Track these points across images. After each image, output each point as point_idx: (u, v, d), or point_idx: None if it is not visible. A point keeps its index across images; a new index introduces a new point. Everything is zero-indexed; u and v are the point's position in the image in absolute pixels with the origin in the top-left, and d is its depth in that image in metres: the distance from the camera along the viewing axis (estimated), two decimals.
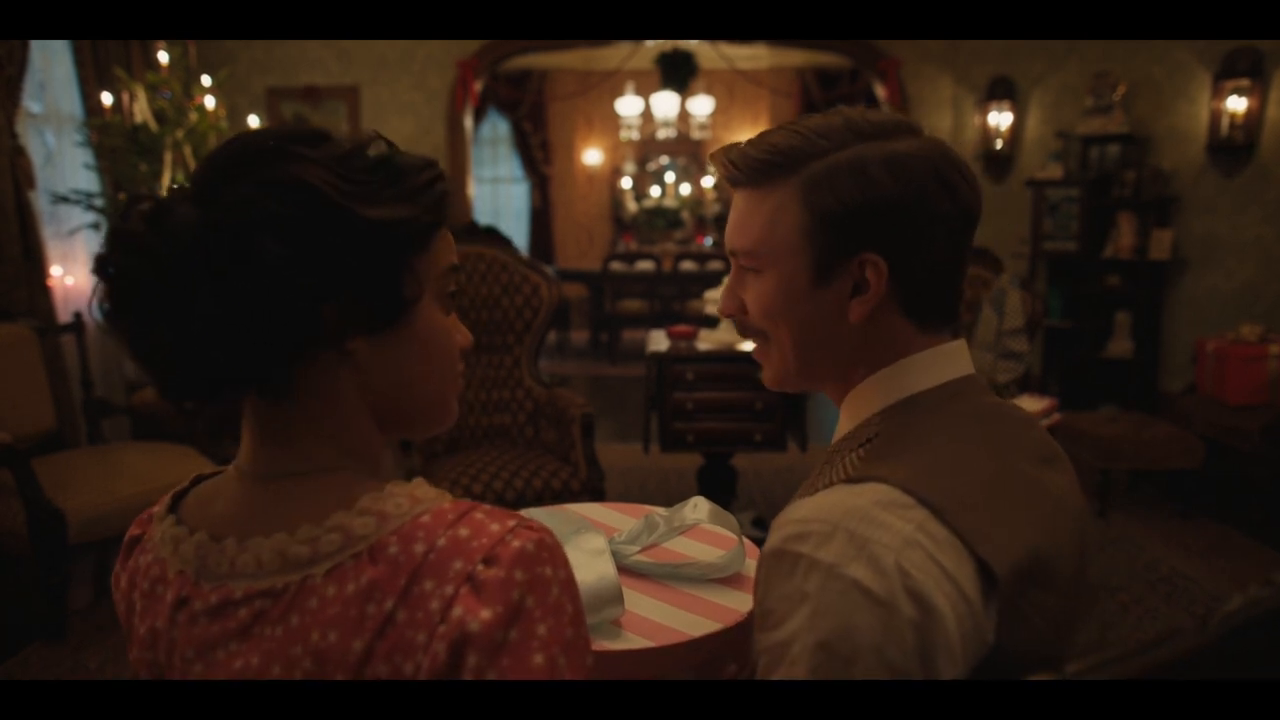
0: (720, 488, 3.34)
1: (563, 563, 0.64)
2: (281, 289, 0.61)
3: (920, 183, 0.76)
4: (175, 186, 0.65)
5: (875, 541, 0.65)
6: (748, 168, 0.81)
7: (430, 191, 0.69)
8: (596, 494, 2.89)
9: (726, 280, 0.87)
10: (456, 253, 0.74)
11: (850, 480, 0.73)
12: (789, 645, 0.66)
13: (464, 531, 0.62)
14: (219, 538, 0.66)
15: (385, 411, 0.70)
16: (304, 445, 0.67)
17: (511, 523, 0.63)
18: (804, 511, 0.70)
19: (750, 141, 0.81)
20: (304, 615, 0.62)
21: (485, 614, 0.59)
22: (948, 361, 0.81)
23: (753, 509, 3.79)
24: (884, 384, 0.81)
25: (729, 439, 3.20)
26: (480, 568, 0.60)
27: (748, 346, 3.19)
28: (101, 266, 0.63)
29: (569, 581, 0.63)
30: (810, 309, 0.80)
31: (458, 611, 0.59)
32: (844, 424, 0.84)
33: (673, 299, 7.90)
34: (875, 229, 0.76)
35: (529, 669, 0.59)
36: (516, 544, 0.61)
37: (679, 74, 7.81)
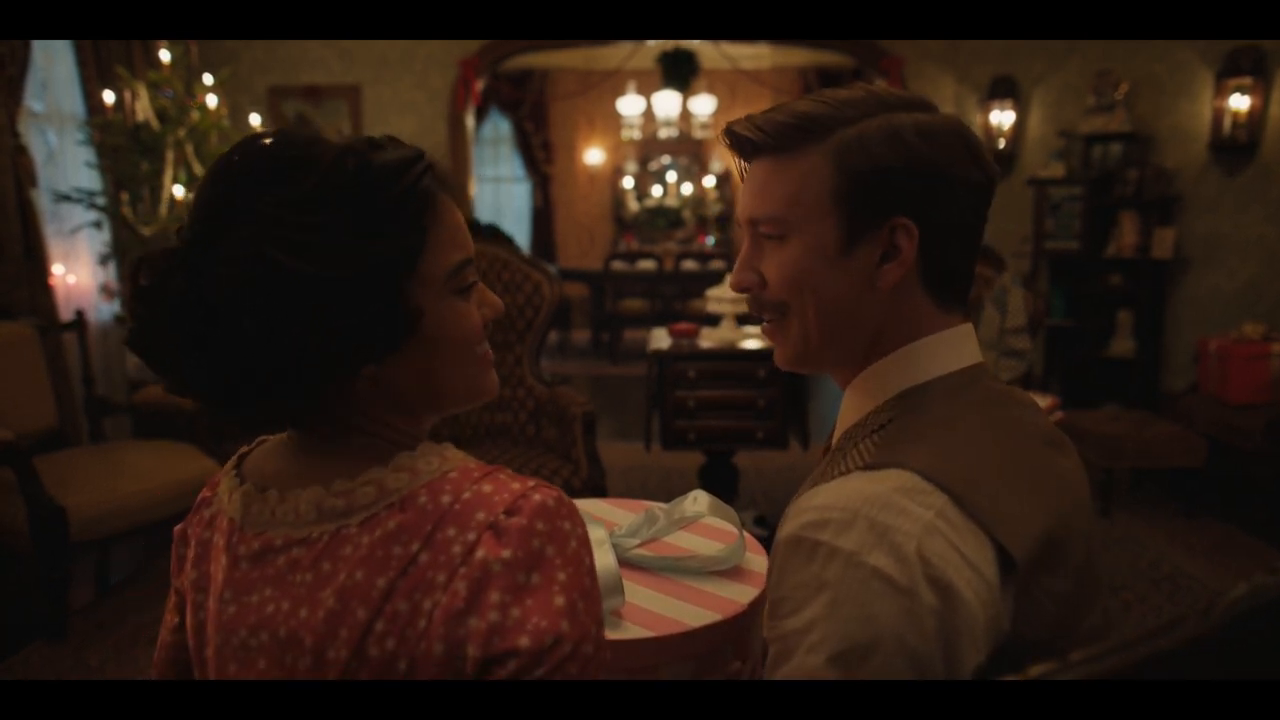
0: (722, 486, 3.33)
1: (579, 521, 0.67)
2: (269, 355, 0.64)
3: (951, 148, 0.76)
4: (179, 231, 0.68)
5: (896, 529, 0.65)
6: (776, 132, 0.78)
7: (410, 199, 0.67)
8: (598, 492, 2.89)
9: (741, 254, 0.83)
10: (468, 241, 0.72)
11: (868, 467, 0.72)
12: (806, 633, 0.66)
13: (488, 487, 0.67)
14: (264, 489, 0.71)
15: (415, 403, 0.73)
16: (339, 429, 0.71)
17: (532, 482, 0.68)
18: (823, 499, 0.69)
19: (775, 108, 0.79)
20: (335, 561, 0.66)
21: (505, 554, 0.63)
22: (960, 347, 0.80)
23: (754, 508, 3.79)
24: (898, 367, 0.79)
25: (730, 437, 3.20)
26: (502, 517, 0.64)
27: (751, 344, 3.20)
28: (130, 343, 0.68)
29: (585, 539, 0.67)
30: (837, 277, 0.77)
31: (480, 554, 0.63)
32: (851, 410, 0.82)
33: (674, 298, 7.89)
34: (908, 192, 0.75)
35: (552, 608, 0.62)
36: (538, 498, 0.66)
37: (681, 73, 7.80)
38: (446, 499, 0.66)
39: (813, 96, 0.79)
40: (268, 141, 0.67)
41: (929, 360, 0.79)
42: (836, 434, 0.85)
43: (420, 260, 0.68)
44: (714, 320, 3.51)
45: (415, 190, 0.67)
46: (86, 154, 4.12)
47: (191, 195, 3.70)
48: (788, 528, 0.70)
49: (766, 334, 0.86)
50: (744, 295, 0.85)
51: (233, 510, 0.72)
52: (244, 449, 0.79)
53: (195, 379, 0.66)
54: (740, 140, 0.81)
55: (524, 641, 0.61)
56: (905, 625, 0.63)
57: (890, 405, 0.78)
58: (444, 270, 0.70)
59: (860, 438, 0.78)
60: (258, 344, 0.63)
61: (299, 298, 0.63)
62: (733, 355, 3.15)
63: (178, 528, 0.81)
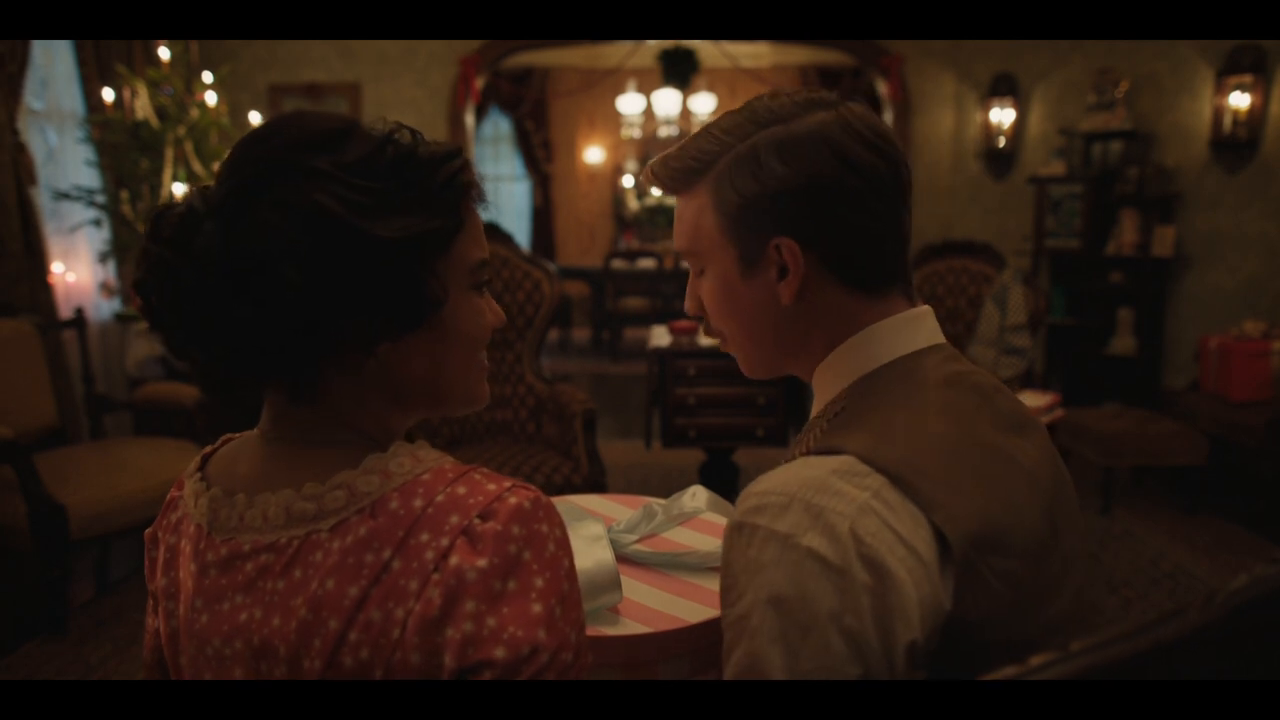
0: (722, 484, 3.33)
1: (557, 522, 0.66)
2: (302, 308, 0.62)
3: (811, 161, 0.77)
4: (200, 189, 0.66)
5: (830, 510, 0.66)
6: (668, 178, 0.85)
7: (451, 189, 0.69)
8: (598, 489, 2.88)
9: (688, 283, 0.90)
10: (486, 244, 0.74)
11: (810, 453, 0.74)
12: (749, 617, 0.67)
13: (461, 489, 0.65)
14: (231, 493, 0.69)
15: (410, 395, 0.72)
16: (320, 421, 0.69)
17: (508, 483, 0.66)
18: (764, 485, 0.71)
19: (673, 151, 0.85)
20: (307, 568, 0.64)
21: (481, 563, 0.61)
22: (911, 330, 0.81)
23: None
24: (847, 358, 0.81)
25: (731, 434, 3.20)
26: (476, 522, 0.63)
27: None
28: (138, 286, 0.66)
29: (564, 540, 0.66)
30: (747, 300, 0.82)
31: (454, 561, 0.61)
32: (816, 403, 0.85)
33: (674, 297, 7.87)
34: (775, 213, 0.78)
35: (528, 617, 0.61)
36: (513, 500, 0.64)
37: (681, 71, 7.80)
38: (419, 503, 0.64)
39: (706, 127, 0.83)
40: (312, 113, 0.68)
41: (876, 347, 0.80)
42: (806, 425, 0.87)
43: (453, 245, 0.69)
44: None
45: (458, 179, 0.69)
46: (86, 152, 4.12)
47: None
48: (733, 515, 0.72)
49: (722, 349, 0.91)
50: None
51: (199, 516, 0.70)
52: (208, 449, 0.77)
53: (206, 336, 0.64)
54: (652, 183, 0.88)
55: (499, 653, 0.60)
56: (840, 603, 0.64)
57: (844, 395, 0.80)
58: (469, 262, 0.71)
59: (814, 427, 0.81)
60: (290, 295, 0.62)
61: (342, 253, 0.62)
62: None
63: (148, 531, 0.79)
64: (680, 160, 0.83)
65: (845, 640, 0.64)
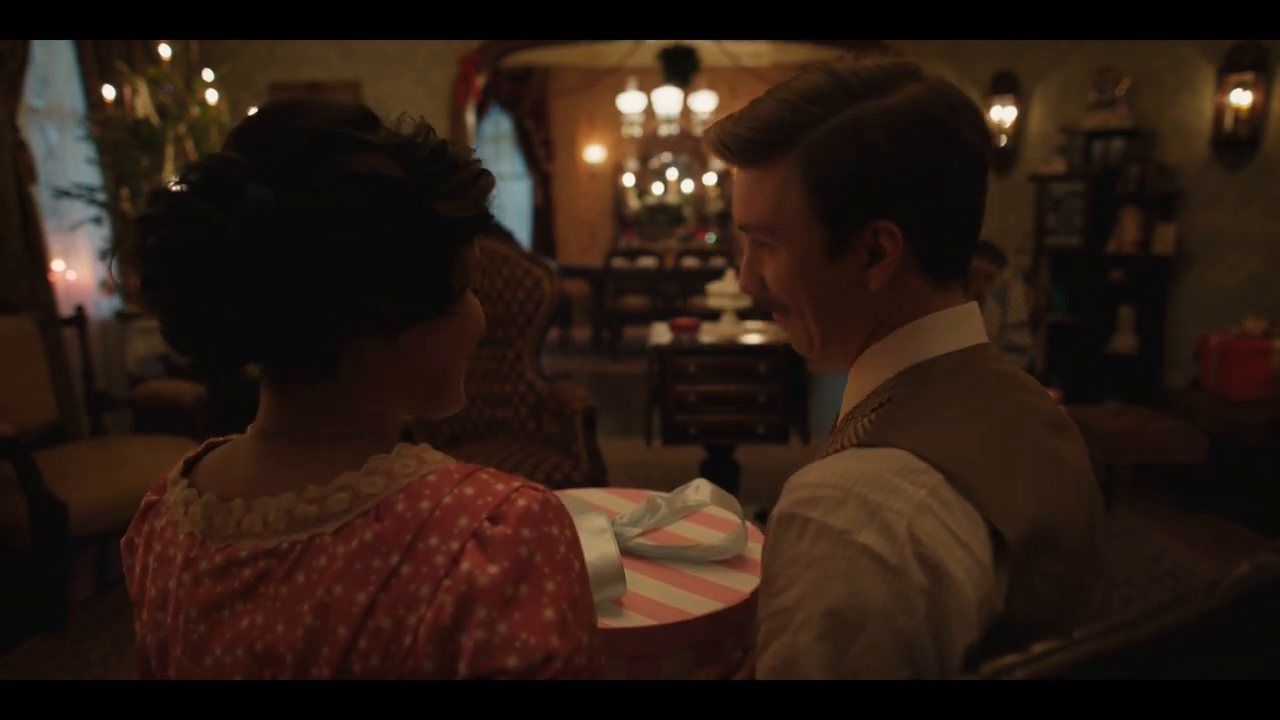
0: (723, 481, 3.33)
1: (568, 523, 0.65)
2: (349, 277, 0.62)
3: (921, 139, 0.72)
4: (220, 157, 0.62)
5: (887, 507, 0.65)
6: (741, 149, 0.77)
7: (478, 186, 0.70)
8: (598, 486, 2.88)
9: (744, 258, 0.84)
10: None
11: (862, 444, 0.71)
12: (794, 611, 0.65)
13: (469, 490, 0.64)
14: (227, 499, 0.67)
15: (410, 390, 0.71)
16: (322, 414, 0.68)
17: (516, 483, 0.65)
18: (815, 475, 0.69)
19: (739, 118, 0.77)
20: (311, 573, 0.62)
21: (493, 569, 0.60)
22: (962, 326, 0.78)
23: (756, 503, 3.78)
24: (898, 347, 0.78)
25: (731, 431, 3.20)
26: (486, 525, 0.62)
27: (752, 339, 3.20)
28: (151, 232, 0.61)
29: (575, 541, 0.65)
30: (828, 282, 0.77)
31: (465, 566, 0.60)
32: (854, 391, 0.82)
33: (675, 296, 7.88)
34: (882, 195, 0.72)
35: (540, 623, 0.60)
36: (522, 502, 0.63)
37: (681, 70, 7.79)
38: (426, 505, 0.62)
39: (777, 94, 0.76)
40: (328, 97, 0.68)
41: (928, 339, 0.77)
42: (841, 415, 0.84)
43: (474, 239, 0.71)
44: (715, 315, 3.51)
45: (484, 178, 0.71)
46: (86, 150, 4.12)
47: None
48: (780, 504, 0.70)
49: (779, 323, 0.86)
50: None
51: (191, 524, 0.67)
52: (190, 454, 0.74)
53: (229, 301, 0.61)
54: (716, 154, 0.81)
55: (511, 661, 0.59)
56: (894, 604, 0.63)
57: (890, 384, 0.77)
58: (475, 260, 0.72)
59: (859, 416, 0.77)
60: (338, 260, 0.61)
61: (400, 223, 0.63)
62: (734, 350, 3.15)
63: (124, 539, 0.77)
64: (755, 130, 0.75)
65: (896, 642, 0.63)
